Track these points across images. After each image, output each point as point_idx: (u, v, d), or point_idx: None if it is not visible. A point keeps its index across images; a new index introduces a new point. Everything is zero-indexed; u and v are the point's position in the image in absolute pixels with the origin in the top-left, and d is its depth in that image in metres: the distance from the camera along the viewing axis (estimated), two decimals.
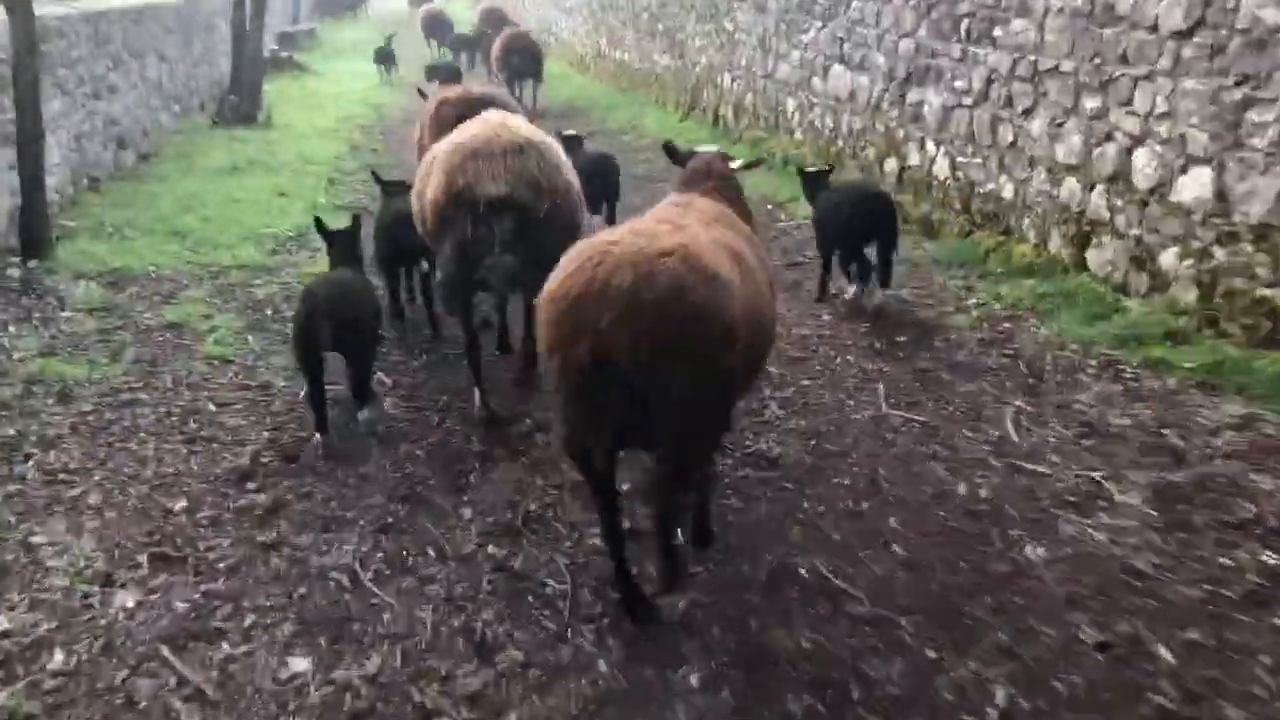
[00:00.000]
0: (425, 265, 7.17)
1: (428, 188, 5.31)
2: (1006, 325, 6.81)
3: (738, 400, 4.00)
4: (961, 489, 4.82)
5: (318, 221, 6.17)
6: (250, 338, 6.94)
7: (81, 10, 11.83)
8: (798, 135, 11.39)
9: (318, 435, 5.28)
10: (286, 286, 8.06)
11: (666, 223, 3.77)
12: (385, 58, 22.24)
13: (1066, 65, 7.20)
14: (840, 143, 10.57)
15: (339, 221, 6.44)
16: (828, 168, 8.14)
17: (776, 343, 4.84)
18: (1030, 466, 5.00)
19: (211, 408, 5.81)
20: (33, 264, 8.13)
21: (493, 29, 20.82)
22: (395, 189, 7.28)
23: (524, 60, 17.09)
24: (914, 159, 9.27)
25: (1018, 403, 5.67)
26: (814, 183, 7.56)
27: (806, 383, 6.09)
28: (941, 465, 5.06)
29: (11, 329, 6.89)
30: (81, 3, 12.26)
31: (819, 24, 10.85)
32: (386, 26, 34.65)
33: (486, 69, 19.95)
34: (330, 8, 37.72)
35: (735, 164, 4.80)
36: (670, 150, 5.00)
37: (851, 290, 7.26)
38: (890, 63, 9.48)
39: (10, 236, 8.52)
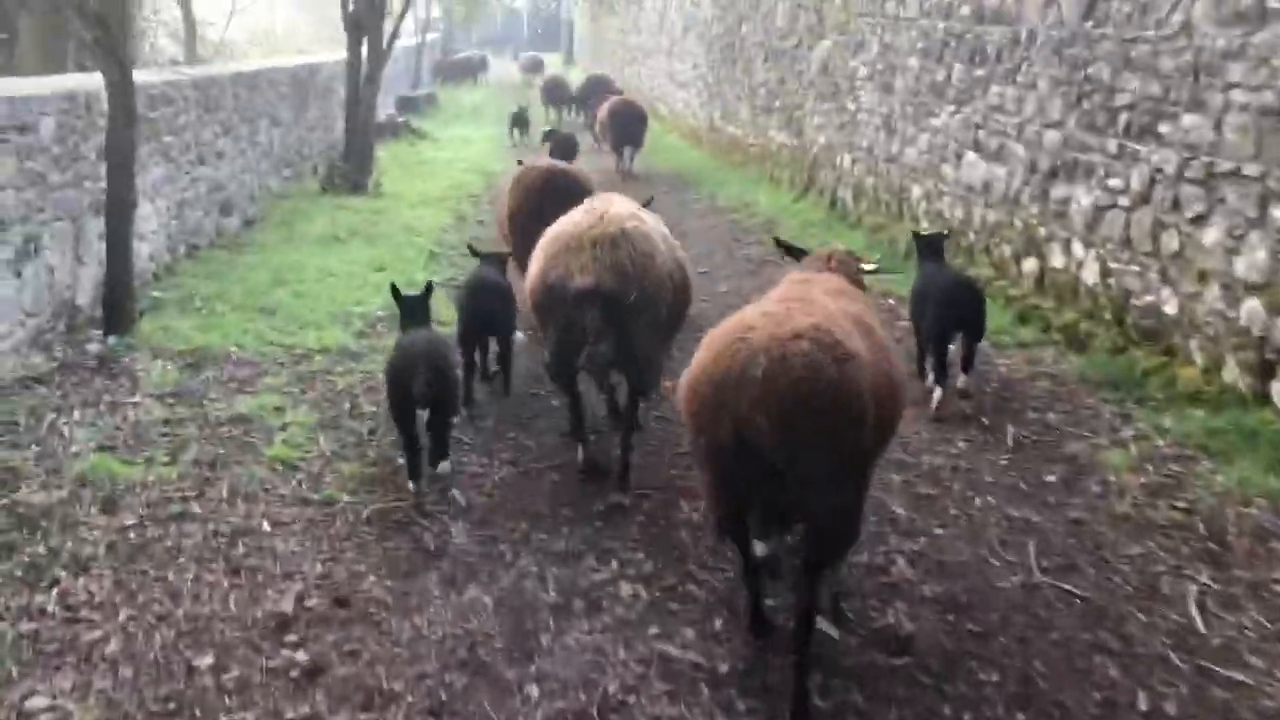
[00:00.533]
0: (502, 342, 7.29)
1: (529, 275, 5.62)
2: (1174, 468, 5.81)
3: (871, 468, 4.06)
4: (1141, 701, 3.86)
5: (393, 288, 6.12)
6: (322, 438, 6.31)
7: (193, 76, 11.65)
8: (923, 224, 10.51)
9: (412, 484, 5.49)
10: (369, 376, 7.45)
11: (795, 300, 3.99)
12: (520, 122, 22.44)
13: (1250, 169, 6.23)
14: (972, 235, 9.66)
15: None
16: (944, 233, 7.77)
17: (905, 476, 5.16)
18: (1225, 672, 4.01)
19: (265, 527, 5.16)
20: (113, 339, 7.70)
21: (597, 97, 21.40)
22: (490, 259, 7.49)
23: (629, 126, 17.43)
24: (1057, 260, 8.32)
25: (1200, 577, 4.67)
26: (928, 248, 7.19)
27: (940, 531, 5.18)
28: (1112, 662, 4.10)
29: (76, 414, 6.39)
30: (199, 68, 12.12)
31: (951, 108, 10.01)
32: (504, 92, 34.89)
33: (592, 134, 20.33)
34: (451, 72, 38.15)
35: (868, 267, 5.09)
36: (786, 247, 5.35)
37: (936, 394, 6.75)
38: (1032, 154, 8.59)
39: (97, 308, 8.14)
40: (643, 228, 5.45)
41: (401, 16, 18.81)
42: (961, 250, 9.74)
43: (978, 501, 5.52)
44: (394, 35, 18.36)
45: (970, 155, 9.66)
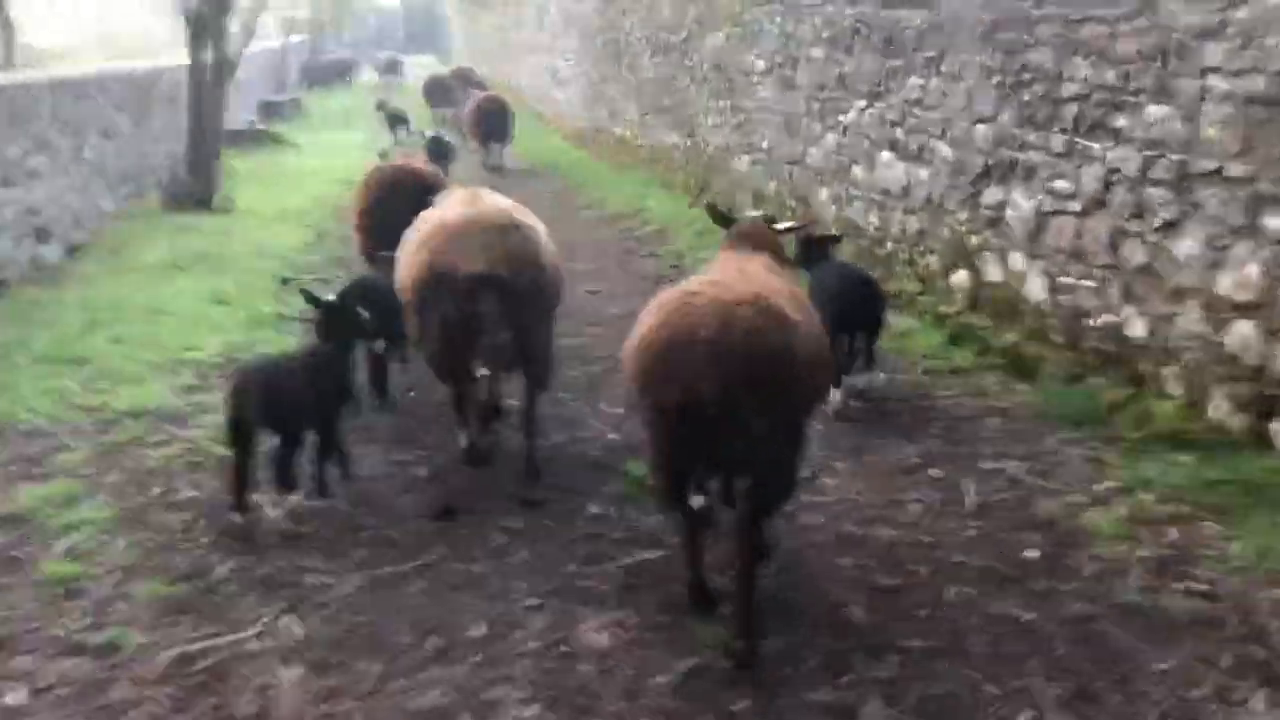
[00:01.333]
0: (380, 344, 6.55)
1: (407, 266, 5.36)
2: (1174, 534, 4.78)
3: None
4: None
5: (306, 294, 5.52)
6: (119, 543, 4.90)
7: (2, 81, 9.97)
8: (831, 231, 9.46)
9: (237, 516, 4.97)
10: (190, 447, 6.03)
11: (735, 274, 4.22)
12: (397, 120, 20.93)
13: (1235, 169, 5.26)
14: (890, 244, 8.63)
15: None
16: (836, 235, 7.13)
17: (858, 559, 4.67)
18: None
19: (10, 700, 3.75)
20: None
21: (463, 91, 21.45)
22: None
23: (496, 122, 17.68)
24: (993, 273, 7.33)
25: (1258, 703, 3.62)
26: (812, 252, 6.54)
27: (914, 645, 4.03)
28: None
29: None
30: (4, 74, 10.42)
31: (862, 103, 8.96)
32: (376, 95, 33.08)
33: (458, 131, 19.16)
34: (319, 75, 36.14)
35: (780, 226, 5.27)
36: (715, 212, 5.43)
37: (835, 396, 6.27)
38: (960, 154, 7.57)
39: None
40: (528, 217, 5.46)
41: (256, 14, 17.12)
42: (878, 260, 8.71)
43: (951, 593, 4.40)
44: (248, 35, 16.71)
45: (885, 155, 8.62)
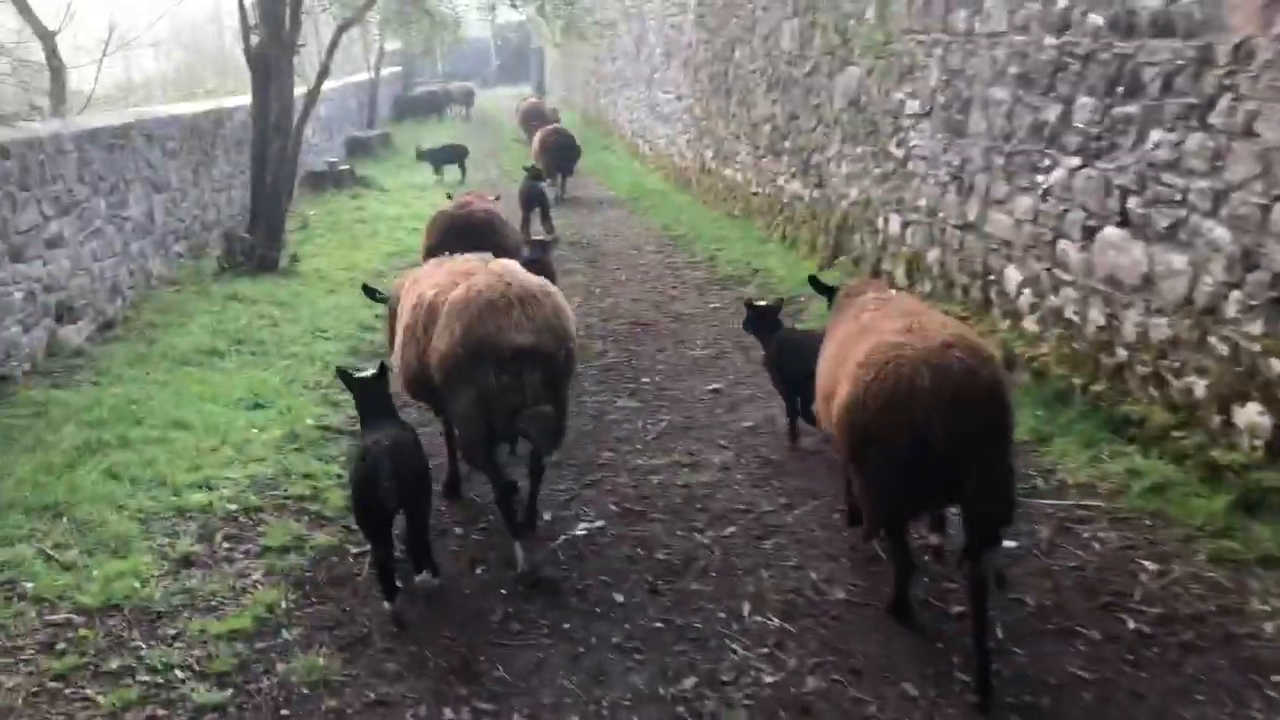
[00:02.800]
0: None
1: (437, 339, 4.99)
2: None
3: None
4: None
5: (341, 372, 5.25)
6: None
7: (13, 136, 8.30)
8: (1028, 325, 7.25)
9: (387, 604, 4.67)
10: (158, 688, 4.10)
11: (910, 315, 4.38)
12: (444, 157, 20.63)
13: None
14: (1121, 353, 6.38)
15: None
16: (779, 302, 7.19)
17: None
18: None
19: None
20: None
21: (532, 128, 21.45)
22: None
23: (561, 155, 17.74)
24: None
25: None
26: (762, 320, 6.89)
27: None
28: None
29: None
30: (6, 126, 8.76)
31: (1074, 161, 6.74)
32: (474, 127, 31.60)
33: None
34: (413, 109, 34.82)
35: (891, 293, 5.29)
36: (817, 284, 5.95)
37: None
38: (1251, 239, 5.32)
39: None
40: (550, 285, 5.24)
41: (331, 49, 15.50)
42: (1102, 371, 6.47)
43: None
44: (323, 71, 15.08)
45: (1113, 232, 6.38)
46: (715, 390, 7.94)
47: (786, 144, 12.73)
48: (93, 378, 7.96)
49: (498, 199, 9.68)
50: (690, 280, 11.86)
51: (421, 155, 21.20)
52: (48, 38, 14.75)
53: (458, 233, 8.18)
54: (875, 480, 4.17)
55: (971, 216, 8.12)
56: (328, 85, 25.14)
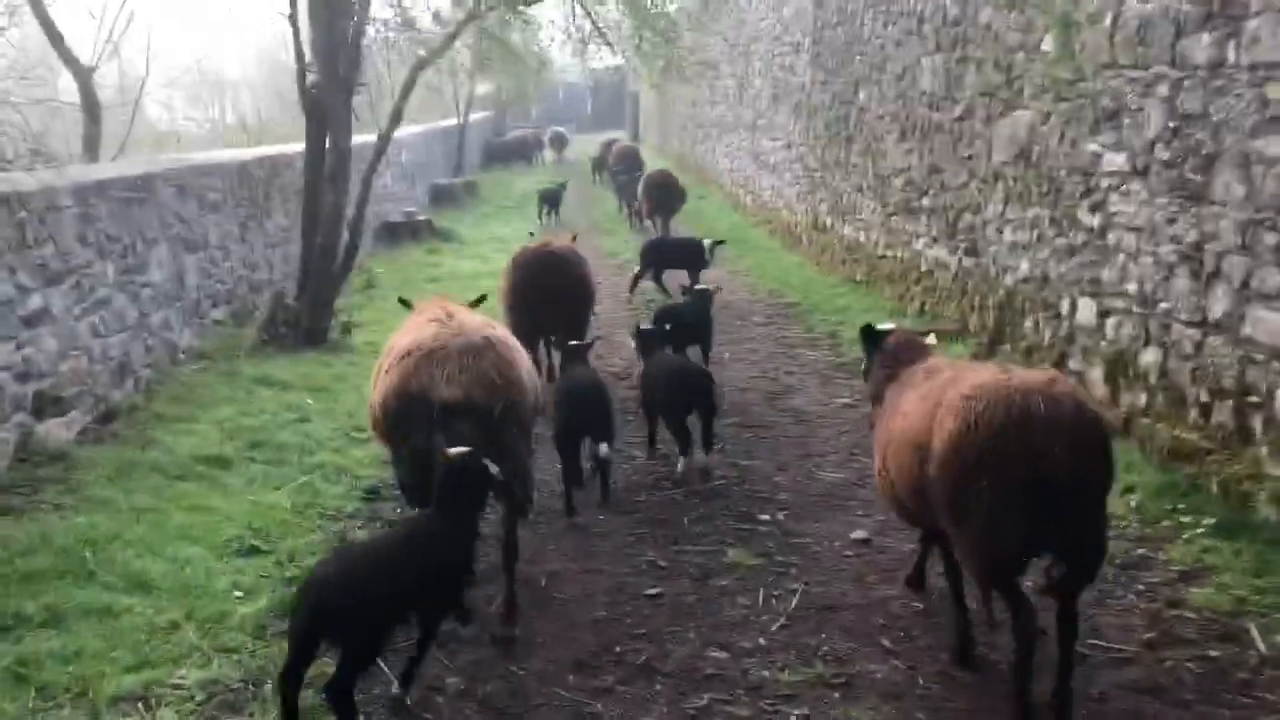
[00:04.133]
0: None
1: (379, 386, 5.01)
2: None
3: None
4: None
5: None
6: None
7: None
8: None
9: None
10: None
11: (981, 367, 4.56)
12: (551, 199, 20.69)
13: None
14: None
15: None
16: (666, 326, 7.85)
17: None
18: None
19: None
20: None
21: (627, 172, 22.13)
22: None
23: (663, 196, 17.54)
24: None
25: None
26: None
27: None
28: None
29: None
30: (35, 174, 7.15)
31: None
32: (565, 174, 30.09)
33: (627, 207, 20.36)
34: (502, 154, 33.48)
35: (930, 339, 5.29)
36: (868, 333, 5.41)
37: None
38: None
39: None
40: (503, 334, 5.18)
41: (406, 92, 13.89)
42: None
43: None
44: (396, 115, 13.47)
45: None
46: (862, 541, 5.86)
47: (925, 201, 10.63)
48: (59, 496, 6.19)
49: (575, 238, 9.40)
50: (810, 364, 9.80)
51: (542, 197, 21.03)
52: (83, 74, 13.37)
53: (538, 269, 8.33)
54: (984, 519, 3.93)
55: (1217, 313, 5.92)
56: (410, 131, 23.91)
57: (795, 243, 15.97)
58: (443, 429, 4.59)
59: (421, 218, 18.30)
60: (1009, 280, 8.68)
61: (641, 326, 7.75)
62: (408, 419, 4.73)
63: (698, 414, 6.84)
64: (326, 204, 10.22)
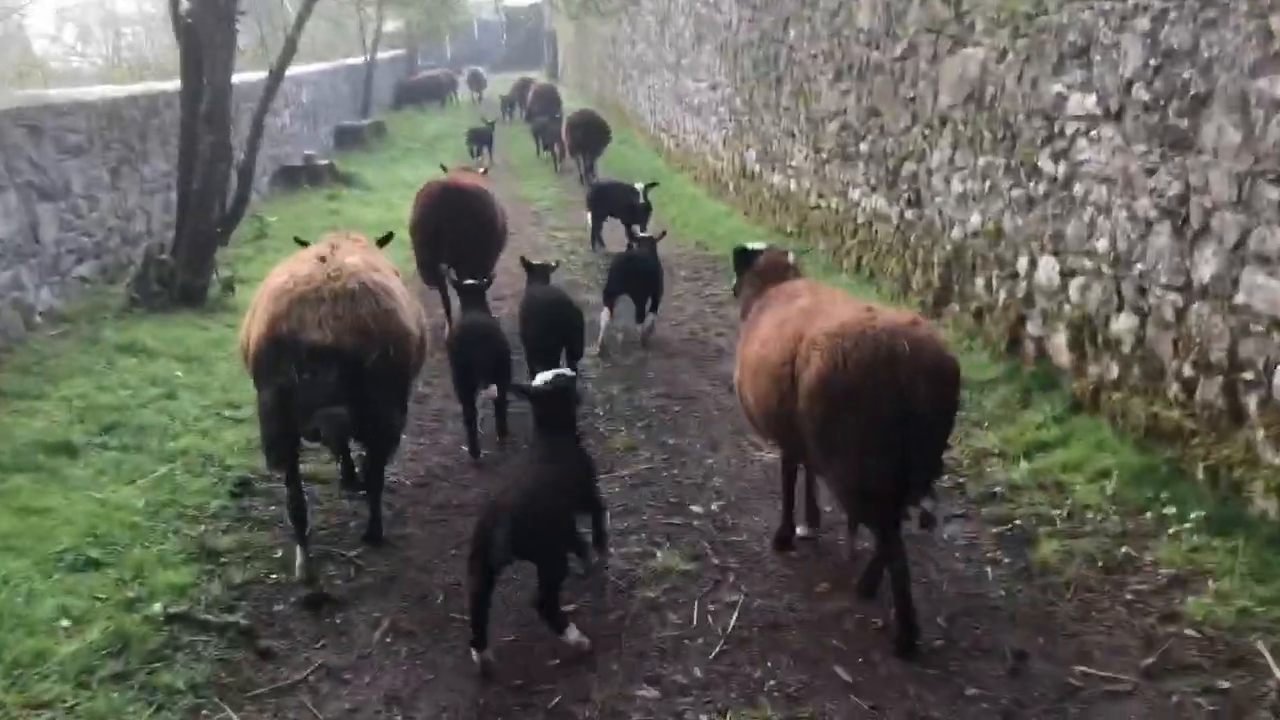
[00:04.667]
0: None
1: (251, 326, 4.82)
2: None
3: None
4: None
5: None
6: None
7: None
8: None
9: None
10: None
11: (844, 300, 4.69)
12: (481, 138, 20.17)
13: None
14: None
15: None
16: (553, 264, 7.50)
17: None
18: None
19: None
20: None
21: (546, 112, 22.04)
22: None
23: (587, 135, 17.16)
24: None
25: None
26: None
27: None
28: None
29: None
30: None
31: None
32: (483, 113, 28.79)
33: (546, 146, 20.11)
34: (415, 95, 31.91)
35: (790, 256, 5.48)
36: (739, 253, 5.54)
37: None
38: None
39: None
40: (384, 280, 4.89)
41: (299, 24, 12.64)
42: None
43: None
44: (289, 48, 12.25)
45: None
46: (806, 539, 5.11)
47: (863, 147, 9.85)
48: None
49: (485, 171, 9.54)
50: (730, 323, 9.01)
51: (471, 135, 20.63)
52: None
53: (439, 204, 8.27)
54: (854, 449, 4.06)
55: (1204, 276, 5.24)
56: (313, 68, 22.45)
57: (722, 191, 15.13)
58: (308, 374, 4.45)
59: (323, 162, 17.05)
60: (957, 234, 7.96)
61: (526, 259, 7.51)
62: (275, 361, 4.54)
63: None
64: (204, 147, 9.07)
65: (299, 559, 4.78)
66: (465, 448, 6.28)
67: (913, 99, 8.74)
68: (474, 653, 4.02)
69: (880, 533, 4.19)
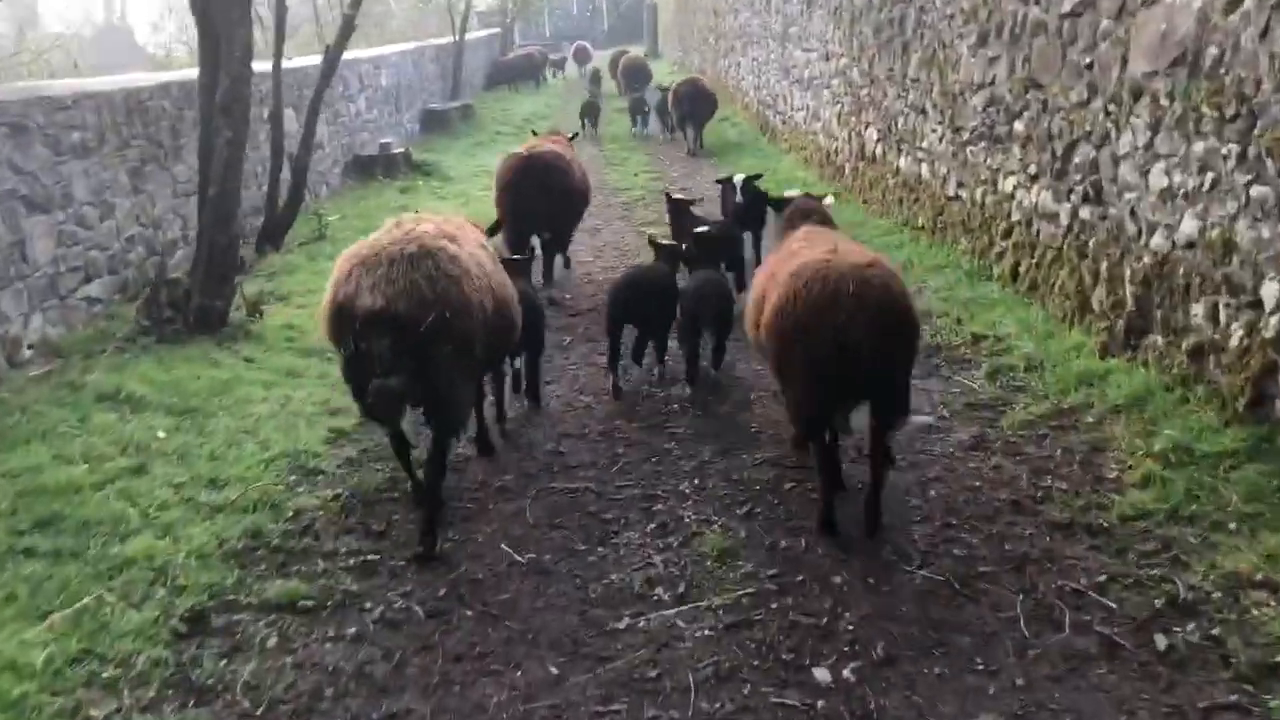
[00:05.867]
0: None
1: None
2: None
3: None
4: None
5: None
6: None
7: None
8: None
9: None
10: None
11: (831, 244, 4.87)
12: (590, 112, 19.78)
13: None
14: None
15: None
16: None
17: None
18: None
19: None
20: None
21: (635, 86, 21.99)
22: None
23: (694, 105, 16.93)
24: None
25: None
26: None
27: None
28: None
29: None
30: None
31: None
32: (575, 94, 27.24)
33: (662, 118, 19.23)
34: (507, 75, 30.47)
35: (827, 200, 6.30)
36: (772, 201, 6.80)
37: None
38: None
39: None
40: (451, 248, 4.61)
41: (356, 2, 11.17)
42: None
43: None
44: (347, 26, 10.86)
45: None
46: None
47: (1018, 127, 7.88)
48: None
49: (572, 139, 9.92)
50: None
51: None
52: None
53: (522, 174, 8.55)
54: (796, 381, 4.58)
55: None
56: (394, 49, 21.09)
57: (835, 174, 13.19)
58: (363, 342, 4.27)
59: (397, 150, 15.60)
60: (1159, 242, 5.98)
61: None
62: (338, 329, 4.47)
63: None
64: (220, 143, 7.60)
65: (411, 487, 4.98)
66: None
67: (1089, 65, 6.75)
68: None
69: (816, 446, 4.71)
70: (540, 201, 8.41)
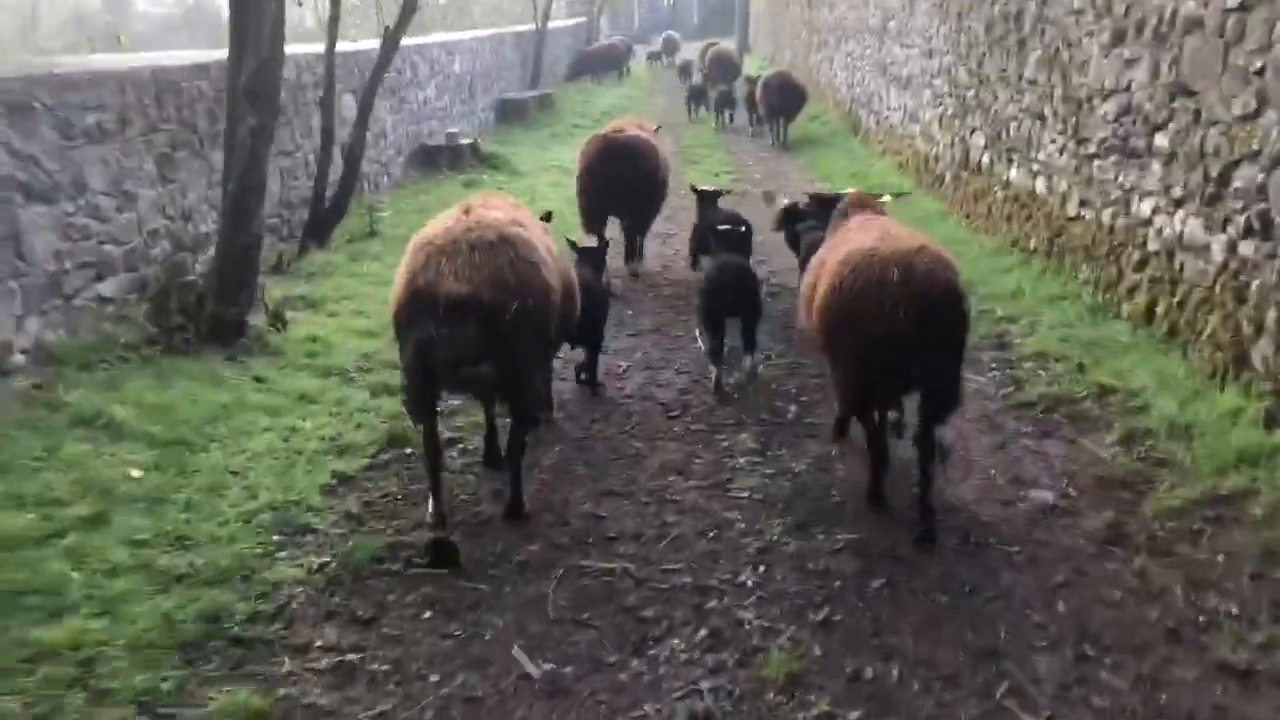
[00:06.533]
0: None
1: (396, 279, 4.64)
2: None
3: None
4: None
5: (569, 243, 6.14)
6: None
7: None
8: None
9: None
10: None
11: (884, 229, 4.85)
12: (698, 96, 20.75)
13: None
14: None
15: None
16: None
17: None
18: None
19: None
20: None
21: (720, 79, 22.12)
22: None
23: (783, 99, 16.74)
24: None
25: None
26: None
27: None
28: None
29: None
30: None
31: None
32: (658, 85, 26.28)
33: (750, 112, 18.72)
34: (590, 65, 29.58)
35: (885, 198, 6.32)
36: (820, 199, 7.03)
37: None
38: None
39: None
40: (525, 234, 4.62)
41: None
42: None
43: None
44: (408, 8, 10.04)
45: None
46: None
47: (1160, 141, 6.67)
48: None
49: (658, 130, 9.65)
50: (975, 406, 6.04)
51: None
52: None
53: (606, 156, 8.51)
54: (844, 365, 4.60)
55: None
56: (469, 35, 20.28)
57: (934, 183, 11.99)
58: (445, 326, 4.22)
59: (464, 140, 14.75)
60: None
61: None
62: (413, 315, 4.33)
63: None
64: (243, 131, 6.76)
65: (430, 506, 4.52)
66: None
67: (1259, 71, 5.56)
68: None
69: (866, 425, 4.77)
70: (619, 185, 8.42)
